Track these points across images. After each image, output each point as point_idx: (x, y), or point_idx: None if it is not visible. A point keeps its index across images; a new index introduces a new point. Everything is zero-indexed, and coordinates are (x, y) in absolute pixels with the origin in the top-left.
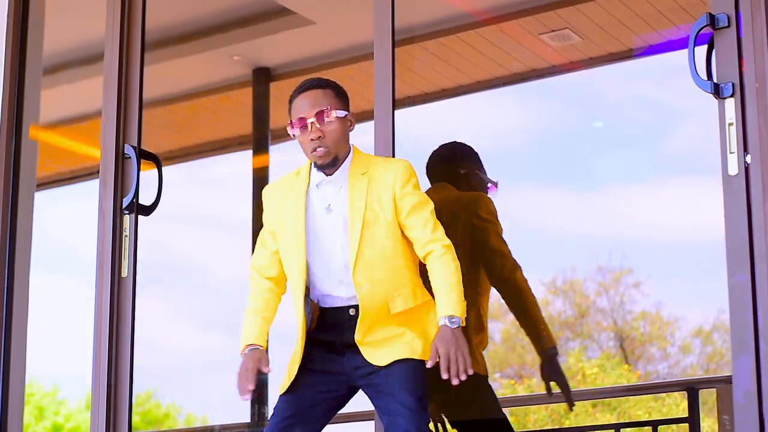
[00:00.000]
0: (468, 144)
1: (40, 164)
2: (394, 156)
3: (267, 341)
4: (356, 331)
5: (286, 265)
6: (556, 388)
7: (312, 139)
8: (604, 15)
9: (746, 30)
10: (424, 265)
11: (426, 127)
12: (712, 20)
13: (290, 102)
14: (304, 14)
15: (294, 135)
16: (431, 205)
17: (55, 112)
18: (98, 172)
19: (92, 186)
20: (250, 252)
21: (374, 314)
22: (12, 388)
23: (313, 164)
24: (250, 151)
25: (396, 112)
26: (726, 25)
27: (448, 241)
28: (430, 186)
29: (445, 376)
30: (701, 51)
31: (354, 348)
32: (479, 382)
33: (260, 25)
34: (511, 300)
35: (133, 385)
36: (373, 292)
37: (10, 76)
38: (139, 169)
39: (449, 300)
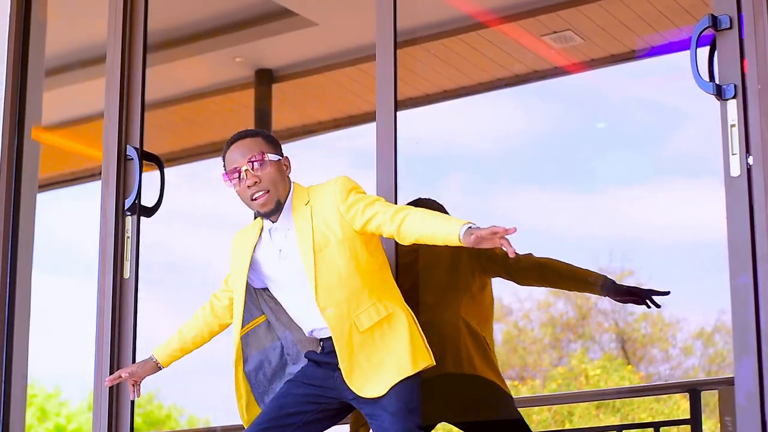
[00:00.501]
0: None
1: (42, 165)
2: (396, 157)
3: (174, 358)
4: (340, 362)
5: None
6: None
7: (249, 186)
8: (606, 16)
9: (748, 31)
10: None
11: (428, 129)
12: (715, 22)
13: (223, 158)
14: (306, 16)
15: (232, 187)
16: (379, 198)
17: (57, 113)
18: (100, 173)
19: (94, 187)
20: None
21: (346, 337)
22: (14, 389)
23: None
24: None
25: (398, 113)
26: (728, 26)
27: (391, 206)
28: None
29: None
30: (703, 52)
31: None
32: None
33: (262, 27)
34: (545, 276)
35: None
36: (338, 314)
37: (13, 78)
38: (141, 171)
39: (450, 220)
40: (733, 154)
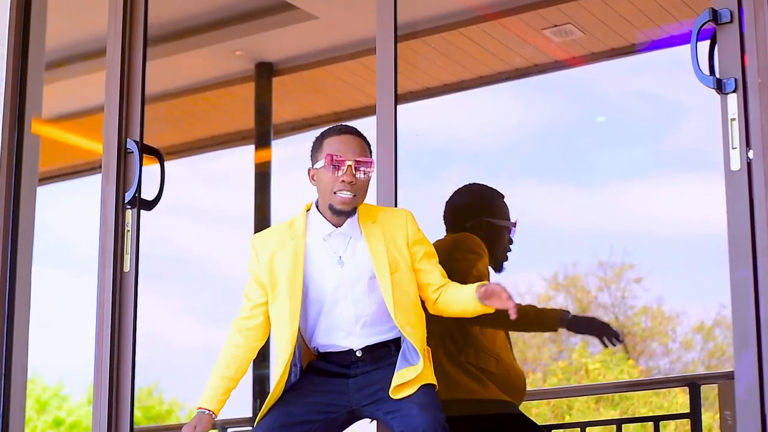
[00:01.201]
0: (483, 186)
1: (42, 159)
2: (396, 151)
3: (224, 402)
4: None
5: (275, 318)
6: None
7: (343, 181)
8: (606, 10)
9: (749, 25)
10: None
11: (428, 123)
12: (715, 15)
13: (321, 140)
14: (306, 9)
15: (317, 169)
16: (436, 255)
17: (57, 106)
18: (100, 166)
19: (94, 181)
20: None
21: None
22: (14, 383)
23: (315, 213)
24: (253, 146)
25: (398, 107)
26: (729, 20)
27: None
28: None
29: (509, 302)
30: (704, 46)
31: (362, 376)
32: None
33: (263, 20)
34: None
35: (135, 379)
36: (413, 333)
37: (13, 71)
38: (141, 164)
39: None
40: (733, 148)
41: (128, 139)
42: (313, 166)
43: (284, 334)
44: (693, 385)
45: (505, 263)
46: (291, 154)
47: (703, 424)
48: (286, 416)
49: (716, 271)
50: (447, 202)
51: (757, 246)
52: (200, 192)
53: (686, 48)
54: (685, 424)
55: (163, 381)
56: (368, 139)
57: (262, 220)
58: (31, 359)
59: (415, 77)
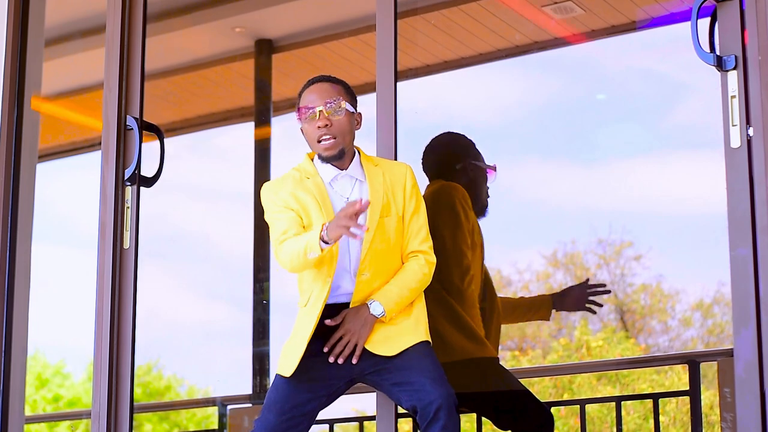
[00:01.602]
0: (459, 133)
1: (41, 136)
2: (396, 128)
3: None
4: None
5: None
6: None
7: (319, 127)
8: None
9: (749, 2)
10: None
11: (428, 100)
12: None
13: (299, 96)
14: None
15: (300, 123)
16: (426, 216)
17: (57, 83)
18: (100, 143)
19: (94, 158)
20: (253, 223)
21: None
22: (14, 361)
23: (318, 161)
24: (252, 123)
25: (398, 84)
26: None
27: (433, 258)
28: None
29: (326, 348)
30: (704, 23)
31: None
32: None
33: None
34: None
35: (135, 356)
36: (370, 281)
37: (12, 48)
38: (140, 141)
39: (389, 291)
40: (733, 126)
41: (128, 116)
42: (299, 122)
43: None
44: (692, 362)
45: (488, 208)
46: (291, 131)
47: (703, 402)
48: (295, 396)
49: (715, 248)
50: (428, 149)
51: (756, 224)
52: (200, 169)
53: (686, 25)
54: (685, 401)
55: (162, 357)
56: (345, 82)
57: (260, 207)
58: (33, 336)
59: (414, 54)
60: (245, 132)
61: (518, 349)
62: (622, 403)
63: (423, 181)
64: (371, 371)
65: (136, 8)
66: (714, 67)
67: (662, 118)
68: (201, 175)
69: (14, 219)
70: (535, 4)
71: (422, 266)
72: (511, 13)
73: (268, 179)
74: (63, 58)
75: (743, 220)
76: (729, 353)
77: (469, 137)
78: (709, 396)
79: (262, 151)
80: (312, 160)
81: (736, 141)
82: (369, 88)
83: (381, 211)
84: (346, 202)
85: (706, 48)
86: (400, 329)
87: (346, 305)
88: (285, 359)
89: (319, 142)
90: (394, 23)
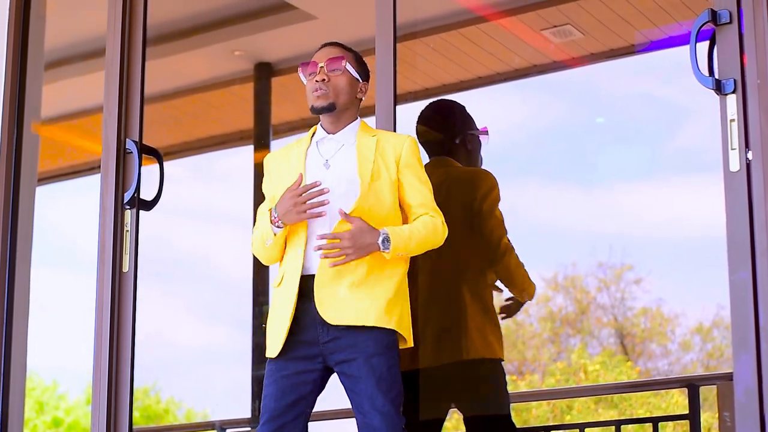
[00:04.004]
0: (451, 100)
1: (41, 159)
2: None
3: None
4: (315, 285)
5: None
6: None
7: (316, 80)
8: (605, 11)
9: (748, 26)
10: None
11: None
12: (714, 16)
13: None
14: (305, 9)
15: (303, 79)
16: (430, 188)
17: (56, 106)
18: (99, 166)
19: (93, 181)
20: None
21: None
22: (13, 382)
23: (319, 125)
24: (252, 146)
25: (397, 107)
26: (728, 21)
27: (442, 220)
28: (428, 159)
29: (317, 240)
30: (703, 47)
31: (311, 312)
32: (489, 366)
33: (262, 20)
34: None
35: (134, 379)
36: None
37: (12, 71)
38: (140, 164)
39: (400, 229)
40: (732, 149)
41: (127, 139)
42: (302, 78)
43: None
44: (692, 386)
45: None
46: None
47: (702, 426)
48: (282, 398)
49: (715, 272)
50: (424, 120)
51: (756, 247)
52: (199, 192)
53: (685, 49)
54: (684, 425)
55: (160, 381)
56: (357, 52)
57: None
58: (28, 358)
59: (414, 78)
60: (245, 155)
61: (517, 373)
62: (622, 427)
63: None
64: (339, 366)
65: (136, 32)
66: (713, 91)
67: (662, 141)
68: (201, 199)
69: (13, 242)
70: (534, 28)
71: (433, 219)
72: (510, 36)
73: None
74: (63, 82)
75: (743, 243)
76: (729, 377)
77: (459, 104)
78: (708, 420)
79: (262, 175)
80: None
81: (735, 165)
82: (368, 111)
83: (370, 177)
84: (324, 163)
85: (705, 71)
86: (357, 304)
87: (313, 276)
88: (270, 341)
89: (313, 93)
90: (393, 47)
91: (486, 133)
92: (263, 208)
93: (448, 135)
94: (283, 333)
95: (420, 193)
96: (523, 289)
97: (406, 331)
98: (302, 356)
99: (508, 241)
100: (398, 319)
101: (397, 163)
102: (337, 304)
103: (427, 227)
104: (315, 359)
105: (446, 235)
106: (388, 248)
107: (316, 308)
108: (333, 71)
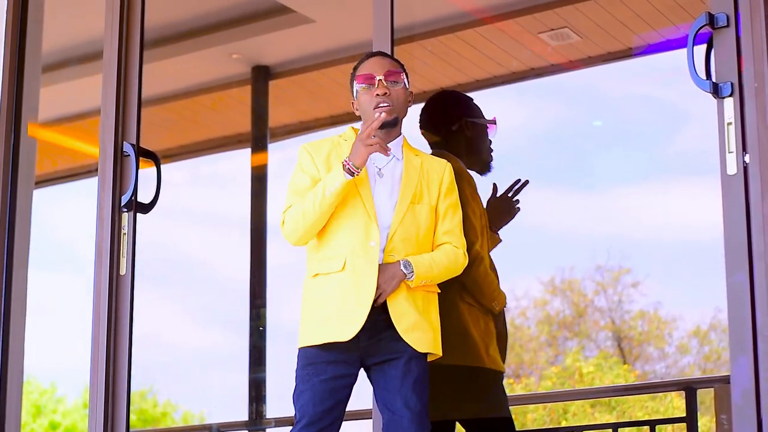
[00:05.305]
0: (453, 91)
1: (38, 162)
2: None
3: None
4: (389, 302)
5: (343, 215)
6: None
7: (378, 95)
8: (603, 14)
9: (745, 30)
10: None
11: None
12: (712, 20)
13: (356, 69)
14: (303, 12)
15: (357, 92)
16: (460, 214)
17: (53, 109)
18: (97, 169)
19: (91, 184)
20: (250, 248)
21: (402, 288)
22: (10, 386)
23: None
24: (249, 149)
25: None
26: (725, 24)
27: (466, 255)
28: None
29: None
30: (700, 50)
31: (373, 321)
32: (491, 378)
33: (259, 23)
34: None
35: (131, 382)
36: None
37: (9, 74)
38: (137, 167)
39: (421, 257)
40: (729, 153)
41: (125, 142)
42: (354, 97)
43: (358, 224)
44: (689, 389)
45: (492, 163)
46: (288, 158)
47: (700, 428)
48: (321, 403)
49: (712, 275)
50: (424, 110)
51: (753, 250)
52: (197, 195)
53: (683, 52)
54: (682, 428)
55: (156, 384)
56: (401, 62)
57: (258, 224)
58: (27, 361)
59: (411, 81)
60: (242, 158)
61: (514, 376)
62: (619, 429)
63: (424, 145)
64: (378, 367)
65: (133, 35)
66: (710, 94)
67: (660, 144)
68: (198, 202)
69: (11, 245)
70: (532, 31)
71: (455, 250)
72: (507, 39)
73: (265, 205)
74: (60, 85)
75: (740, 246)
76: (726, 380)
77: (463, 94)
78: (705, 422)
79: (259, 177)
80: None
81: (732, 168)
82: None
83: (412, 197)
84: (378, 171)
85: (703, 75)
86: (423, 327)
87: None
88: (333, 323)
89: (376, 109)
90: (391, 50)
91: (494, 122)
92: (298, 186)
93: (445, 124)
94: (357, 324)
95: (448, 220)
96: (492, 299)
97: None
98: (341, 360)
99: (480, 248)
100: (438, 343)
101: (439, 190)
102: (417, 329)
103: (449, 257)
104: (353, 363)
105: (465, 264)
106: (413, 275)
107: (387, 318)
108: (394, 84)
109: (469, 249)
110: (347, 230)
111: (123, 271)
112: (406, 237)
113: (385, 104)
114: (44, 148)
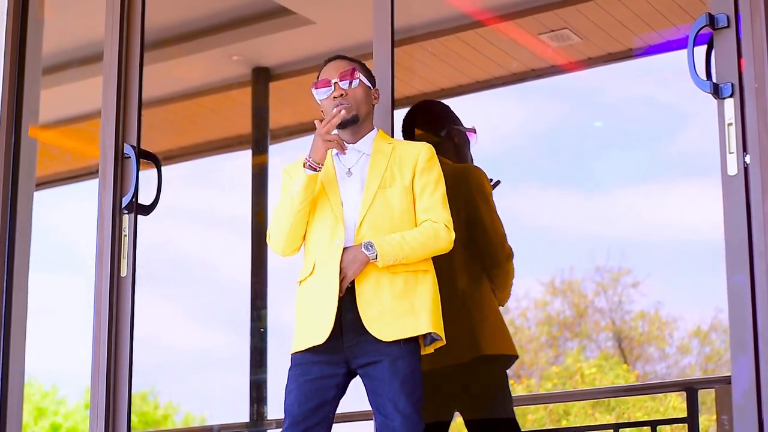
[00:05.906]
0: (434, 100)
1: (39, 164)
2: None
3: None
4: (358, 297)
5: (314, 220)
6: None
7: (335, 97)
8: (603, 15)
9: (745, 30)
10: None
11: None
12: (712, 20)
13: (317, 78)
14: (303, 14)
15: (320, 100)
16: (442, 191)
17: (54, 111)
18: (97, 171)
19: (91, 185)
20: (250, 249)
21: (373, 276)
22: (11, 387)
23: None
24: (250, 151)
25: (395, 112)
26: (725, 25)
27: (450, 231)
28: None
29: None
30: (701, 51)
31: (354, 323)
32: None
33: (260, 25)
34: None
35: (132, 384)
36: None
37: (10, 76)
38: (138, 169)
39: (388, 237)
40: (730, 153)
41: (125, 144)
42: (316, 97)
43: (325, 226)
44: (690, 389)
45: None
46: (288, 159)
47: (700, 429)
48: (306, 402)
49: (713, 275)
50: (407, 118)
51: (753, 250)
52: (198, 197)
53: (683, 53)
54: (682, 428)
55: (158, 385)
56: (360, 61)
57: (259, 225)
58: (27, 363)
59: (412, 82)
60: (243, 160)
61: (515, 377)
62: (620, 430)
63: None
64: (362, 369)
65: (134, 37)
66: (711, 95)
67: (660, 145)
68: (199, 203)
69: (12, 246)
70: (532, 32)
71: (434, 225)
72: (508, 41)
73: (266, 206)
74: (60, 87)
75: (740, 246)
76: (727, 380)
77: (443, 103)
78: (706, 423)
79: (260, 179)
80: None
81: (732, 168)
82: None
83: (381, 182)
84: (347, 171)
85: (703, 75)
86: (397, 316)
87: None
88: (305, 334)
89: (336, 108)
90: (391, 51)
91: (474, 131)
92: (281, 202)
93: (433, 131)
94: (327, 326)
95: (426, 197)
96: (508, 294)
97: (442, 331)
98: (326, 361)
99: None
100: (435, 323)
101: (414, 170)
102: (386, 317)
103: (425, 233)
104: (339, 364)
105: (452, 239)
106: (375, 254)
107: (356, 315)
108: (349, 84)
109: (503, 244)
110: (316, 234)
111: (124, 272)
112: (375, 223)
113: (344, 104)
114: (45, 150)
